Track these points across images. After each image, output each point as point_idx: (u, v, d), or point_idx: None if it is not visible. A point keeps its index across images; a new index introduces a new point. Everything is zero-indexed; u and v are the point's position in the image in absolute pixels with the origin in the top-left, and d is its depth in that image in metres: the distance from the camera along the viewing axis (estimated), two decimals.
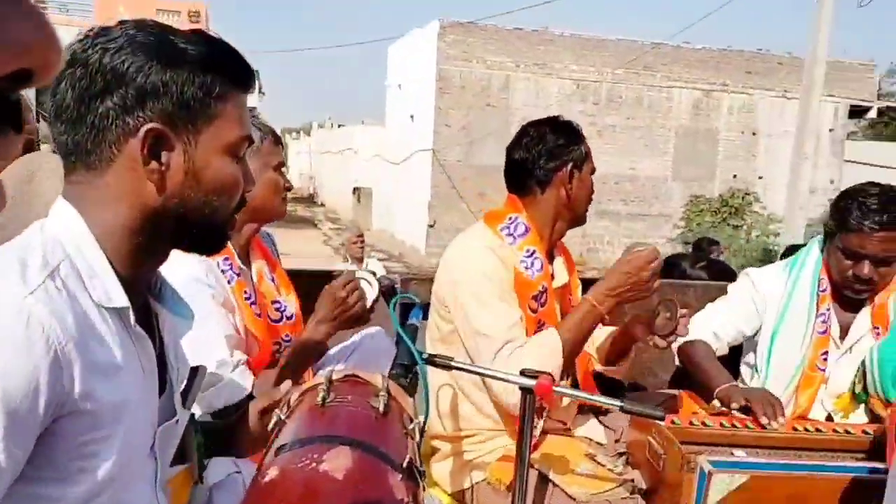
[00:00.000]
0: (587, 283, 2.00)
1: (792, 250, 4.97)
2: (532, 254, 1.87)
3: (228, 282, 1.65)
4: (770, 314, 2.11)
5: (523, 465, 1.47)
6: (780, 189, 14.87)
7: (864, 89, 18.31)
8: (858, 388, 1.98)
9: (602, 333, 2.04)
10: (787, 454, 1.67)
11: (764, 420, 1.75)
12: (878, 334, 2.00)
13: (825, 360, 2.04)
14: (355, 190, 23.08)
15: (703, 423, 1.74)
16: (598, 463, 1.78)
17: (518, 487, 1.48)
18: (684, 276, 3.01)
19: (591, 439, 1.92)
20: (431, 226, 16.24)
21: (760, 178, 17.15)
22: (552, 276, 1.94)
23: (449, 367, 1.50)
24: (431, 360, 1.49)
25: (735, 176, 17.12)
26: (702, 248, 5.06)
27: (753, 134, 17.36)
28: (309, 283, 2.13)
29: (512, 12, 14.75)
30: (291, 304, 1.88)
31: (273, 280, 1.85)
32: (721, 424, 1.75)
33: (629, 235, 16.77)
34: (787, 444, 1.70)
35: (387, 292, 2.29)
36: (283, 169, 1.85)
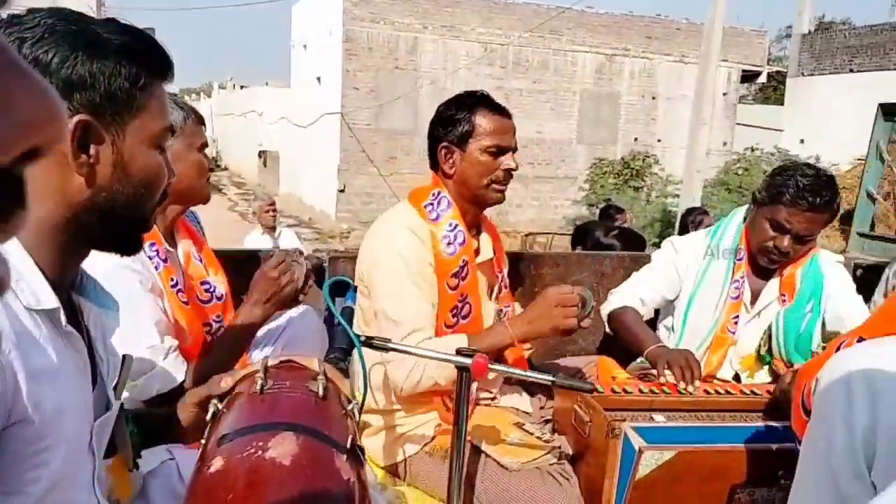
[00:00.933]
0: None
1: (689, 213, 5.21)
2: (454, 227, 1.90)
3: (155, 268, 1.61)
4: (689, 279, 2.25)
5: (460, 440, 1.52)
6: (678, 151, 15.52)
7: (755, 55, 19.22)
8: (763, 351, 2.15)
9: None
10: (701, 416, 1.80)
11: (681, 385, 1.87)
12: (784, 301, 2.16)
13: (736, 323, 2.19)
14: (261, 153, 22.46)
15: (624, 390, 1.84)
16: (527, 431, 1.86)
17: (455, 461, 1.53)
18: (598, 244, 3.12)
19: (517, 409, 1.99)
20: (341, 190, 16.06)
21: (659, 140, 17.82)
22: (477, 252, 1.98)
23: (387, 350, 1.52)
24: (369, 343, 1.51)
25: (636, 139, 17.71)
26: (609, 215, 5.26)
27: (653, 98, 17.96)
28: (236, 263, 2.10)
29: None
30: (220, 284, 1.85)
31: (201, 260, 1.82)
32: (640, 390, 1.86)
33: (536, 198, 17.15)
34: (700, 406, 1.82)
35: (315, 271, 2.28)
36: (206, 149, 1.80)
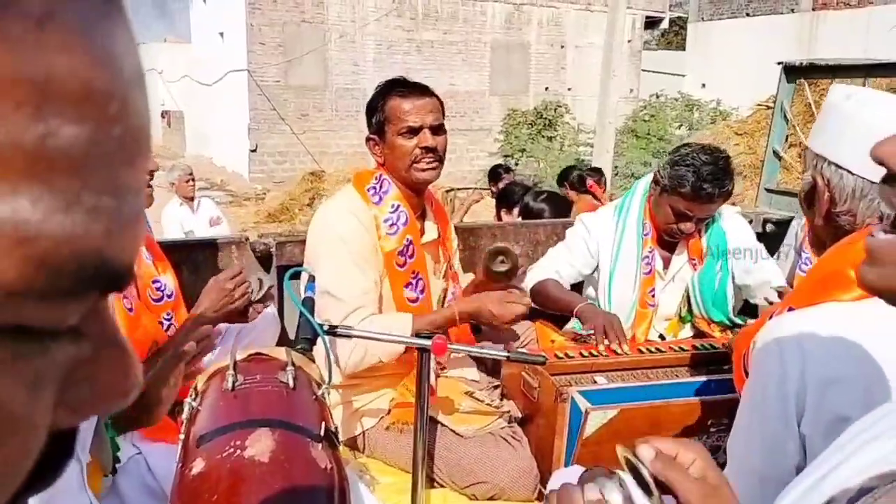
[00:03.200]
0: None
1: (567, 172, 5.28)
2: (397, 209, 1.96)
3: None
4: (605, 257, 2.37)
5: (423, 415, 1.61)
6: (587, 100, 15.85)
7: (658, 2, 19.65)
8: (684, 311, 2.33)
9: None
10: (638, 374, 1.95)
11: (614, 345, 2.03)
12: (695, 265, 2.33)
13: (653, 295, 2.34)
14: (164, 114, 21.49)
15: (567, 355, 1.98)
16: (477, 399, 1.98)
17: (419, 435, 1.63)
18: (528, 208, 3.24)
19: (466, 378, 2.10)
20: (253, 150, 15.64)
21: (570, 89, 18.11)
22: (422, 232, 2.05)
23: (350, 336, 1.59)
24: (333, 332, 1.57)
25: (547, 88, 17.93)
26: (498, 175, 5.40)
27: (562, 47, 18.17)
28: (180, 255, 2.09)
29: None
30: (170, 281, 1.86)
31: (150, 259, 1.81)
32: (581, 354, 1.99)
33: (452, 150, 17.12)
34: (636, 366, 1.98)
35: (262, 257, 2.30)
36: None
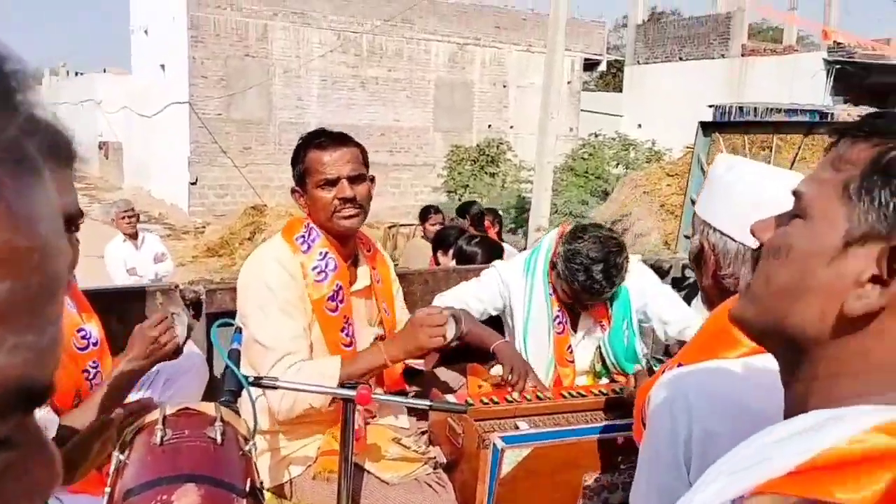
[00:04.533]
0: None
1: (468, 206, 5.39)
2: (325, 256, 2.00)
3: None
4: (518, 312, 2.41)
5: (348, 464, 1.65)
6: (528, 138, 16.20)
7: (596, 44, 20.37)
8: (599, 367, 2.42)
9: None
10: (559, 419, 2.03)
11: (532, 385, 2.11)
12: (603, 327, 2.41)
13: (571, 352, 2.40)
14: (102, 145, 21.07)
15: (492, 401, 2.04)
16: (404, 446, 2.01)
17: (343, 484, 1.66)
18: (462, 252, 3.32)
19: (395, 425, 2.14)
20: (193, 183, 15.46)
21: (512, 127, 18.52)
22: (354, 279, 2.09)
23: (276, 388, 1.62)
24: (258, 383, 1.60)
25: (490, 126, 18.31)
26: (427, 217, 5.51)
27: (504, 86, 18.61)
28: (106, 303, 2.09)
29: None
30: (95, 329, 1.85)
31: (74, 308, 1.81)
32: (505, 399, 2.06)
33: (396, 185, 17.32)
34: (558, 410, 2.05)
35: (191, 304, 2.31)
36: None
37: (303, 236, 2.00)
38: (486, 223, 4.62)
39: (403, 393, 2.26)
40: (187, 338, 1.75)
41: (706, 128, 3.40)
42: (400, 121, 17.33)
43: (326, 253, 2.00)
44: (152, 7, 16.27)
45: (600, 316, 2.40)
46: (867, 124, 0.64)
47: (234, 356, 1.62)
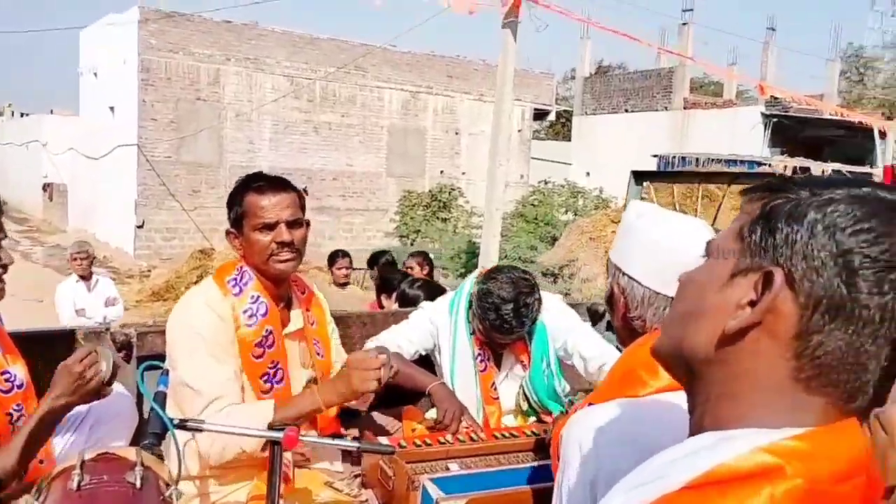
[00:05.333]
0: None
1: (378, 256, 5.44)
2: (256, 300, 2.00)
3: None
4: (445, 352, 2.46)
5: None
6: (480, 184, 16.42)
7: (545, 95, 20.91)
8: (525, 406, 2.46)
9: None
10: (490, 460, 2.05)
11: (468, 428, 2.13)
12: (524, 366, 2.46)
13: (495, 389, 2.44)
14: (46, 186, 20.61)
15: (425, 443, 2.05)
16: (336, 489, 2.01)
17: None
18: (405, 295, 3.35)
19: (329, 469, 2.13)
20: (140, 226, 15.21)
21: (464, 173, 18.78)
22: (286, 321, 2.10)
23: (201, 430, 1.61)
24: (183, 426, 1.59)
25: (442, 172, 18.53)
26: (335, 261, 5.61)
27: (456, 133, 18.93)
28: (33, 345, 2.05)
29: (218, 10, 14.21)
30: (20, 372, 1.82)
31: None
32: (438, 441, 2.07)
33: (348, 230, 17.32)
34: (490, 451, 2.07)
35: (122, 347, 2.28)
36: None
37: (235, 279, 2.01)
38: (414, 265, 4.66)
39: (338, 436, 2.25)
40: (113, 376, 1.72)
41: (638, 177, 3.54)
42: (353, 166, 17.43)
43: (258, 297, 2.00)
44: (102, 49, 16.16)
45: (521, 354, 2.45)
46: (763, 185, 0.73)
47: (160, 399, 1.62)
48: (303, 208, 2.08)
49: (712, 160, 15.36)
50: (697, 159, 16.04)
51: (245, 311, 1.96)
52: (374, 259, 5.55)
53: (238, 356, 1.93)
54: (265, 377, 1.97)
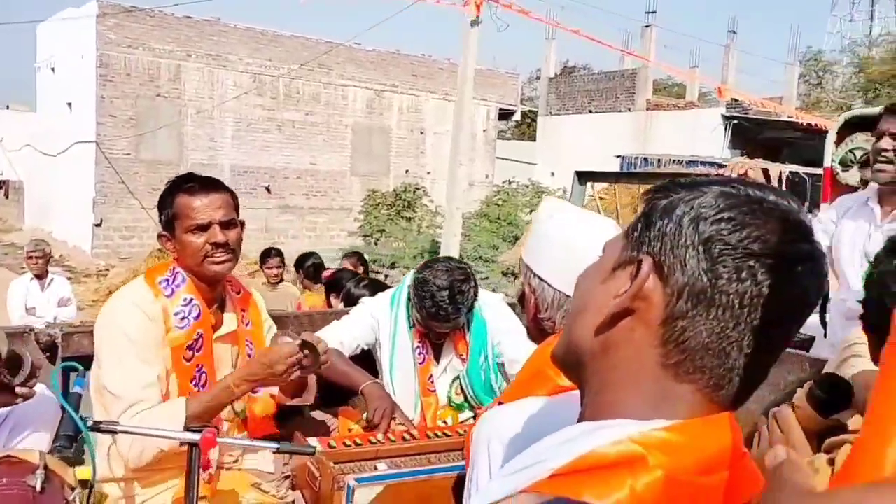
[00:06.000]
0: None
1: (304, 259, 5.45)
2: (189, 302, 1.96)
3: None
4: (384, 345, 2.46)
5: None
6: (445, 184, 16.46)
7: (510, 95, 21.00)
8: (459, 400, 2.46)
9: None
10: (421, 459, 2.04)
11: (400, 428, 2.13)
12: (463, 359, 2.48)
13: (432, 382, 2.46)
14: (1, 184, 20.14)
15: (355, 443, 2.04)
16: (263, 491, 1.99)
17: None
18: (350, 294, 3.33)
19: (259, 469, 2.11)
20: (98, 224, 14.93)
21: (429, 173, 18.77)
22: (219, 324, 2.07)
23: (115, 433, 1.58)
24: (97, 427, 1.56)
25: (407, 171, 18.50)
26: (266, 259, 5.67)
27: (421, 132, 18.91)
28: None
29: (177, 5, 13.99)
30: None
31: None
32: (370, 441, 2.06)
33: (312, 229, 17.21)
34: (421, 451, 2.07)
35: (47, 348, 2.23)
36: None
37: (167, 280, 1.97)
38: (349, 266, 4.67)
39: (275, 437, 2.23)
40: (32, 379, 1.67)
41: (581, 176, 3.57)
42: (317, 164, 17.32)
43: (191, 299, 1.97)
44: (60, 44, 15.82)
45: (460, 348, 2.47)
46: (654, 186, 0.76)
47: (74, 399, 1.58)
48: (236, 208, 2.05)
49: (673, 161, 15.57)
50: (659, 160, 16.25)
51: (177, 314, 1.93)
52: (301, 261, 5.59)
53: (166, 359, 1.90)
54: (193, 381, 1.94)
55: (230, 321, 2.10)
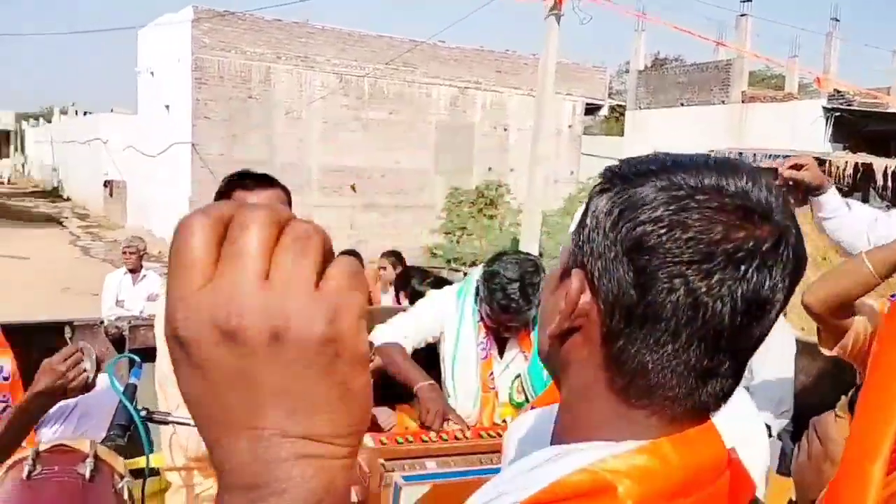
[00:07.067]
0: None
1: (403, 278, 5.34)
2: None
3: None
4: (449, 339, 2.44)
5: None
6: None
7: (597, 89, 20.61)
8: (520, 399, 2.41)
9: None
10: (472, 459, 2.01)
11: (453, 427, 2.10)
12: (526, 358, 2.43)
13: (493, 378, 2.42)
14: (107, 183, 21.37)
15: (406, 440, 2.02)
16: None
17: None
18: (415, 291, 3.34)
19: None
20: None
21: (512, 170, 18.64)
22: None
23: (166, 423, 1.62)
24: (150, 417, 1.60)
25: (490, 168, 18.44)
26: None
27: (505, 129, 18.80)
28: (27, 336, 2.11)
29: (267, 8, 14.47)
30: (7, 363, 1.87)
31: None
32: (420, 439, 2.04)
33: (396, 227, 17.42)
34: (472, 451, 2.03)
35: (115, 340, 2.32)
36: None
37: None
38: (387, 265, 4.69)
39: None
40: (96, 374, 1.73)
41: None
42: (400, 162, 17.50)
43: None
44: (158, 49, 16.64)
45: (525, 346, 2.42)
46: (600, 176, 0.66)
47: (130, 390, 1.62)
48: (289, 204, 2.07)
49: (769, 156, 14.89)
50: (755, 155, 15.56)
51: None
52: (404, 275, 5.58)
53: None
54: None
55: None
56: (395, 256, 4.93)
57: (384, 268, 4.72)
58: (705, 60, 21.92)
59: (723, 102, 20.15)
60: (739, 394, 1.21)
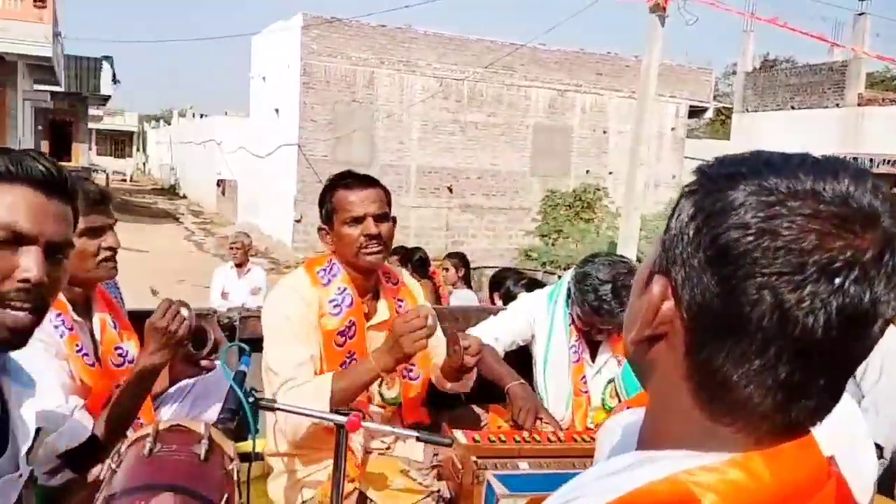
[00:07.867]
0: None
1: (412, 253, 5.29)
2: (343, 291, 2.11)
3: (60, 335, 1.77)
4: (540, 341, 2.46)
5: (338, 489, 1.72)
6: None
7: (702, 91, 19.96)
8: (613, 403, 2.39)
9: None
10: (565, 462, 2.02)
11: (546, 427, 2.12)
12: (620, 361, 2.40)
13: (585, 382, 2.42)
14: (220, 182, 22.49)
15: (499, 439, 2.06)
16: (410, 478, 2.07)
17: None
18: (509, 293, 3.37)
19: (408, 457, 2.20)
20: (298, 220, 16.20)
21: (611, 173, 18.34)
22: (372, 313, 2.19)
23: (273, 409, 1.73)
24: (257, 404, 1.71)
25: (588, 171, 18.21)
26: (408, 262, 5.56)
27: (604, 132, 18.51)
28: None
29: (372, 14, 14.87)
30: (133, 348, 2.02)
31: (116, 327, 1.99)
32: (514, 439, 2.08)
33: (491, 228, 17.48)
34: (565, 453, 2.05)
35: (227, 329, 2.47)
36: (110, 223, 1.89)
37: (325, 269, 2.13)
38: (432, 270, 4.71)
39: (424, 426, 2.31)
40: (214, 353, 1.83)
41: None
42: (497, 165, 17.55)
43: (345, 289, 2.11)
44: (270, 55, 17.38)
45: (618, 350, 2.41)
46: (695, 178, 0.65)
47: (240, 377, 1.74)
48: (389, 204, 2.16)
49: (887, 161, 14.00)
50: (871, 160, 14.67)
51: (331, 301, 2.08)
52: (409, 255, 5.60)
53: (319, 342, 2.05)
54: (343, 365, 2.07)
55: (384, 310, 2.21)
56: (458, 258, 4.99)
57: (447, 269, 4.78)
58: (818, 62, 20.82)
59: (837, 105, 19.07)
60: (847, 405, 1.17)
